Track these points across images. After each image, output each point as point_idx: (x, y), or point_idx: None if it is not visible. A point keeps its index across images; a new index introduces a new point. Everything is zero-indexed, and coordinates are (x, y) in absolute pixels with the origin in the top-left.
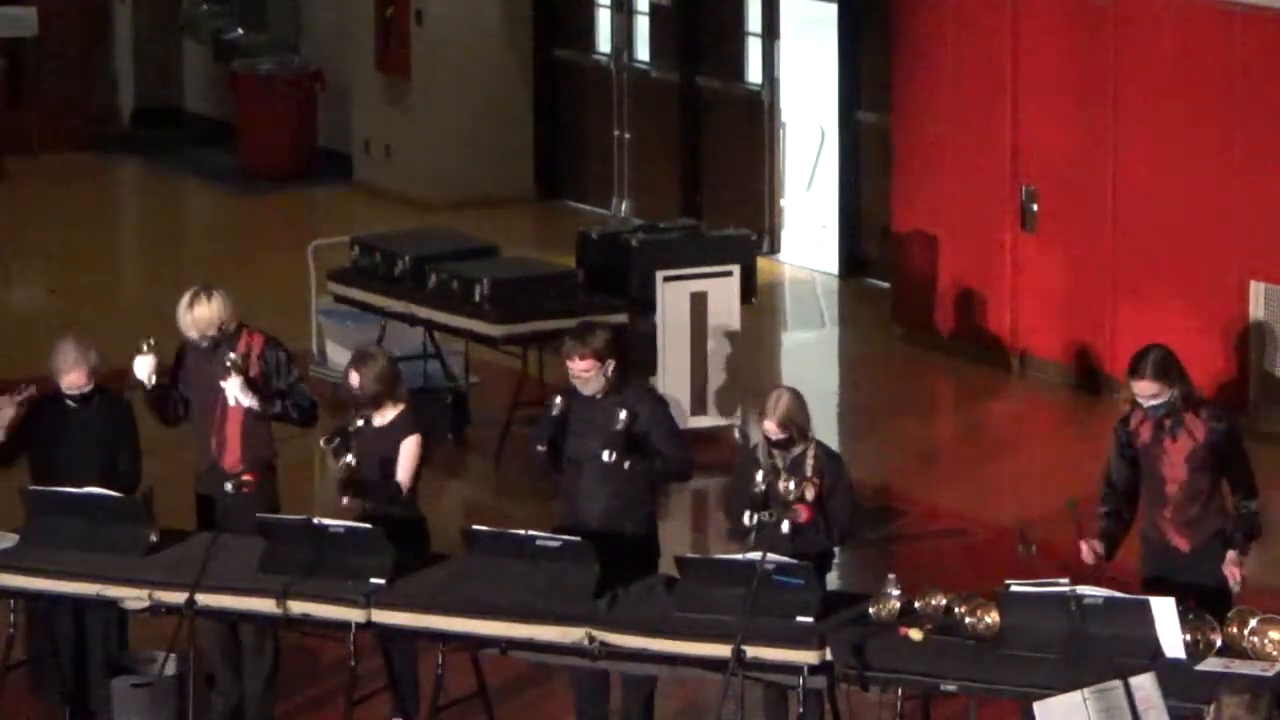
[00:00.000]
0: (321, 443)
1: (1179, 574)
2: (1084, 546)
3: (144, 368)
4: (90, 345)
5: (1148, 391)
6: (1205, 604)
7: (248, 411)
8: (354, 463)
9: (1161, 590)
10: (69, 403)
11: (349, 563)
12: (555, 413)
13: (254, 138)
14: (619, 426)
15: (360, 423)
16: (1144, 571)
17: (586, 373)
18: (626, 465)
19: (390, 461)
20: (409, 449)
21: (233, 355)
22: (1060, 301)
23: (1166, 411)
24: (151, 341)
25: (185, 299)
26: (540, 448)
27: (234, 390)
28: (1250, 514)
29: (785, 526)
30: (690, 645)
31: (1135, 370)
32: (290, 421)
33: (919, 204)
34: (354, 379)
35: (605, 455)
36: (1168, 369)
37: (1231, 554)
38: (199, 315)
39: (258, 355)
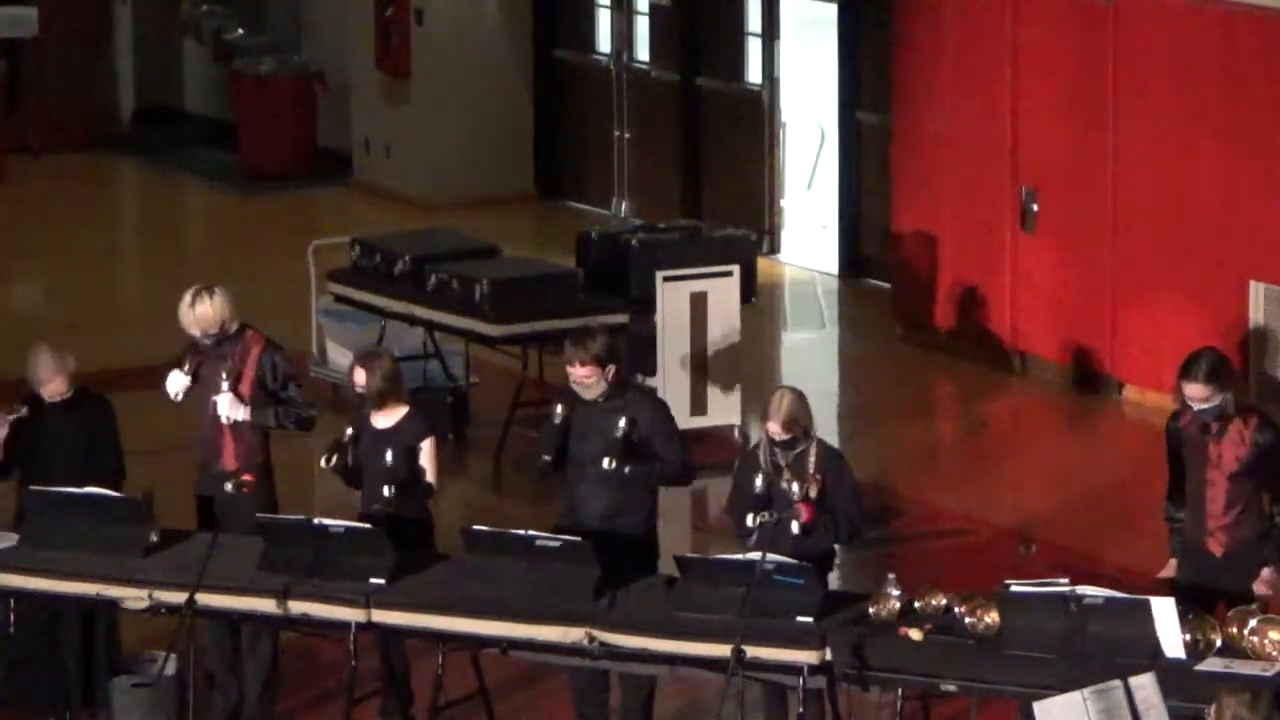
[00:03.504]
0: (322, 463)
1: (1211, 579)
2: (1168, 567)
3: (176, 384)
4: (66, 352)
5: (1199, 395)
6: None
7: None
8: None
9: (1195, 596)
10: (51, 409)
11: (349, 563)
12: (558, 421)
13: (254, 138)
14: (618, 434)
15: (350, 431)
16: (1178, 574)
17: (587, 378)
18: (627, 470)
19: (391, 461)
20: (430, 451)
21: (225, 379)
22: (1060, 301)
23: (1216, 416)
24: (189, 367)
25: (187, 297)
26: (546, 457)
27: (224, 407)
28: None
29: (795, 527)
30: (690, 645)
31: (1187, 373)
32: (286, 429)
33: (919, 204)
34: (360, 378)
35: (605, 463)
36: (1220, 373)
37: (1268, 571)
38: (200, 314)
39: (253, 360)
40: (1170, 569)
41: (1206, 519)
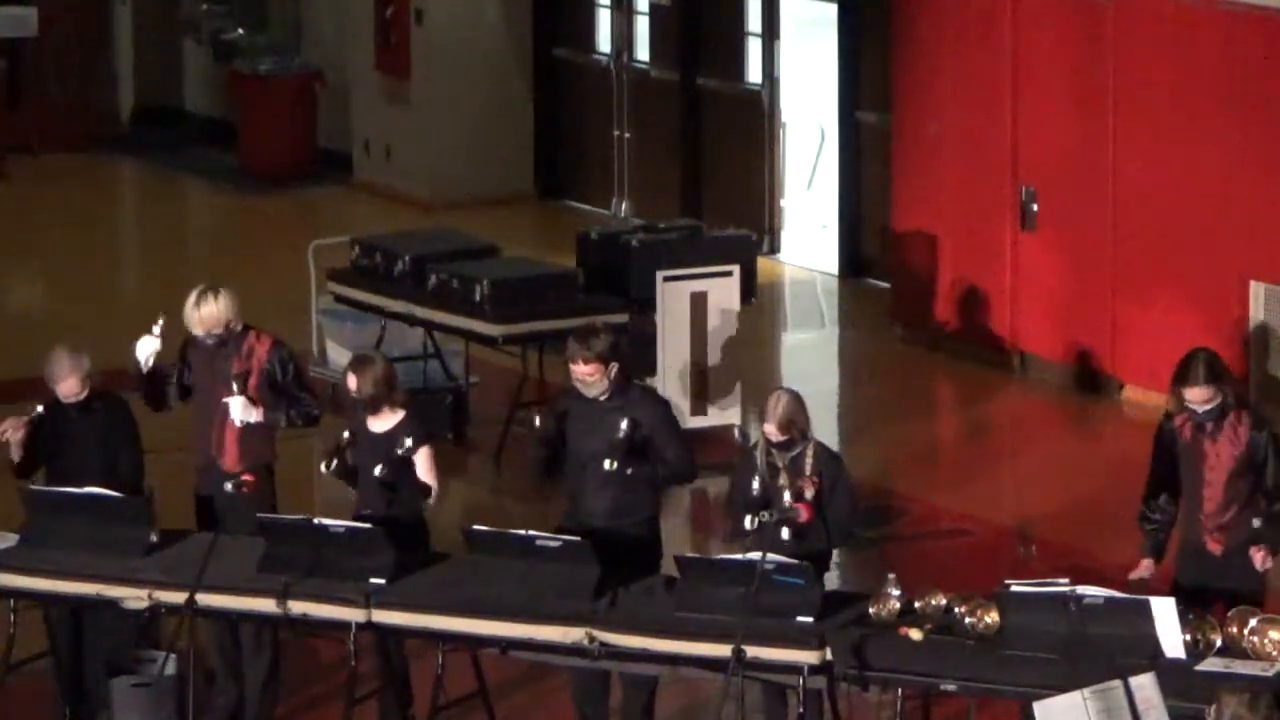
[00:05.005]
0: (322, 468)
1: (1212, 579)
2: (1140, 567)
3: (146, 349)
4: (83, 352)
5: (1202, 397)
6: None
7: None
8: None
9: (1195, 596)
10: (69, 410)
11: (349, 563)
12: (549, 434)
13: (254, 138)
14: (620, 435)
15: (346, 435)
16: (1179, 576)
17: (590, 377)
18: (629, 471)
19: (386, 466)
20: (428, 457)
21: (235, 382)
22: (1060, 301)
23: (1218, 414)
24: (162, 324)
25: (192, 297)
26: (542, 454)
27: (237, 411)
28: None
29: (785, 533)
30: (690, 645)
31: (1187, 378)
32: (296, 427)
33: (919, 204)
34: (352, 383)
35: (607, 464)
36: (1219, 372)
37: (1257, 551)
38: (205, 313)
39: (260, 359)
40: (1143, 569)
41: (1205, 519)
